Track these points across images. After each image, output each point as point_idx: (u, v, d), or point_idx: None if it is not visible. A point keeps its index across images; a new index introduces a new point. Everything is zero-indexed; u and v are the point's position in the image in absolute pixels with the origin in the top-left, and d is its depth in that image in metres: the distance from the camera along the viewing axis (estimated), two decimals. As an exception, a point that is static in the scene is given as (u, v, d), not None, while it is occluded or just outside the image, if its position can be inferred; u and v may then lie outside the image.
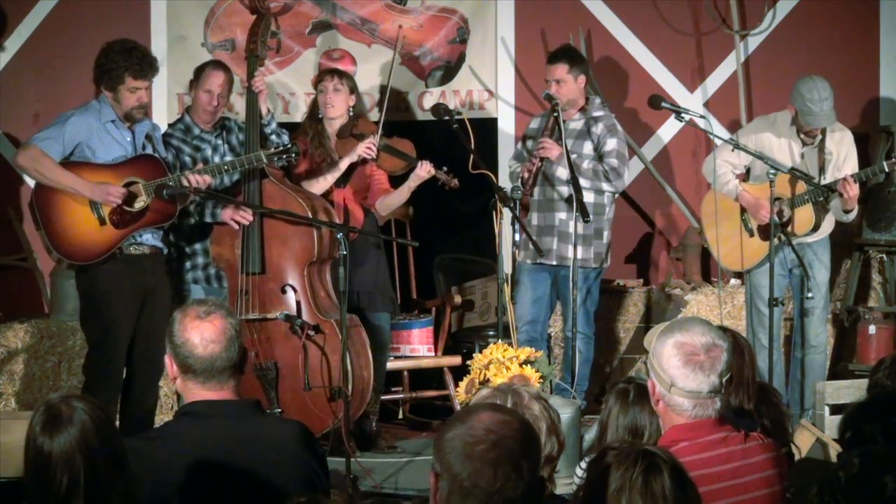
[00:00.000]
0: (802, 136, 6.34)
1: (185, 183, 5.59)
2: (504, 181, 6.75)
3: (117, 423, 5.41)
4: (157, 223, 5.68)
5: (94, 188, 5.53)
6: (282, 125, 6.23)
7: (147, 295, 5.68)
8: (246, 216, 5.95)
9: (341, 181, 6.25)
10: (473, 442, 2.34)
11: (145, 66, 5.61)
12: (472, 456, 2.33)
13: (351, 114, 6.33)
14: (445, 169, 6.17)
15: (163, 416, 6.32)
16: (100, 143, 5.60)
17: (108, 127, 5.63)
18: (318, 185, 6.21)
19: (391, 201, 6.35)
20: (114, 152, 5.63)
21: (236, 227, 5.97)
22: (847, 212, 6.32)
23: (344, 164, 6.22)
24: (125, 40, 5.71)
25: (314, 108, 6.42)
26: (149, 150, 5.72)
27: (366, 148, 6.18)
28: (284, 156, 5.82)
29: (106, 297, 5.62)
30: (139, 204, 5.58)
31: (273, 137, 6.06)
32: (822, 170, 6.35)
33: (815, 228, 6.37)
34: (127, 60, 5.56)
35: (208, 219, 6.03)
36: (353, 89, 6.37)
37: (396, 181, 6.39)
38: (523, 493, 2.33)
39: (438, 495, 2.36)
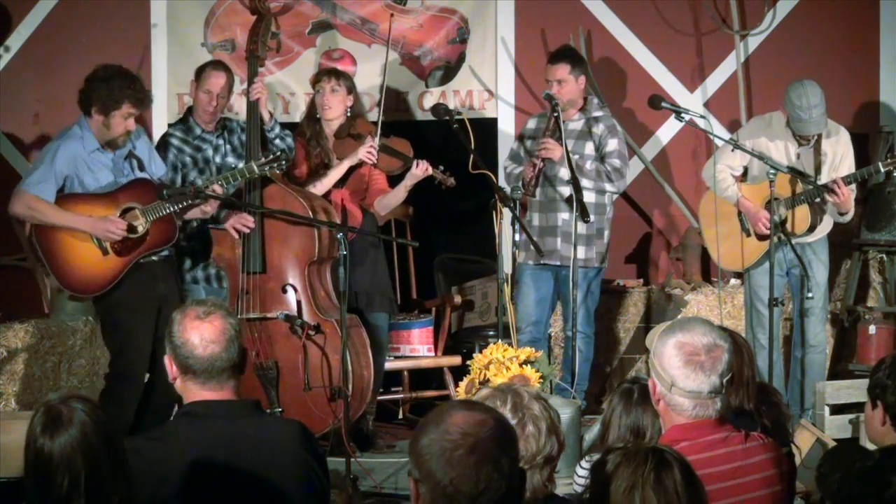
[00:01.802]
0: (798, 136, 6.34)
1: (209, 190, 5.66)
2: (504, 181, 6.74)
3: (135, 419, 5.60)
4: (158, 246, 5.69)
5: (94, 224, 5.55)
6: (282, 125, 6.21)
7: (162, 303, 5.70)
8: (247, 224, 5.95)
9: (339, 182, 6.25)
10: (451, 447, 2.30)
11: (144, 97, 5.67)
12: (451, 462, 2.29)
13: (349, 114, 6.33)
14: (442, 168, 6.17)
15: (163, 416, 6.33)
16: (87, 171, 5.61)
17: (94, 156, 5.63)
18: (319, 187, 6.20)
19: (389, 201, 6.35)
20: (102, 179, 5.64)
21: (236, 235, 5.97)
22: (842, 214, 6.31)
23: (344, 167, 6.21)
24: (120, 67, 5.72)
25: (312, 109, 6.41)
26: (138, 173, 5.71)
27: (367, 153, 6.16)
28: (275, 164, 5.80)
29: (123, 307, 5.66)
30: (139, 229, 5.60)
31: (277, 142, 6.06)
32: (818, 170, 6.34)
33: (812, 229, 6.37)
34: (129, 88, 5.58)
35: (211, 221, 6.04)
36: (352, 90, 6.36)
37: (395, 181, 6.38)
38: (507, 489, 2.32)
39: (421, 500, 2.34)
